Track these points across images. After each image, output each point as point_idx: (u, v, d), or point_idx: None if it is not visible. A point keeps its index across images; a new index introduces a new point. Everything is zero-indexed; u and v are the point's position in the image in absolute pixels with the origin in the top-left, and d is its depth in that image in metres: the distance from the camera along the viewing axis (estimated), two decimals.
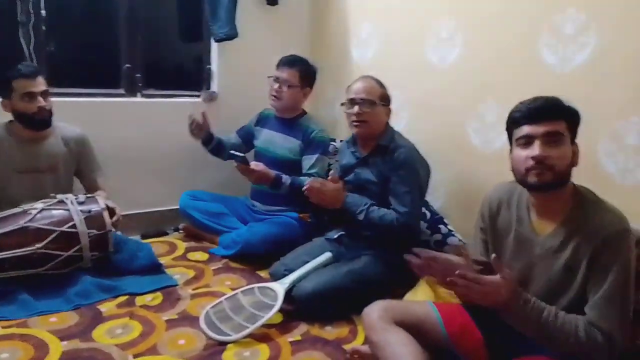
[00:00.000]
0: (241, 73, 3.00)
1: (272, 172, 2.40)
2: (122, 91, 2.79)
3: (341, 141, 2.83)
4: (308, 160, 2.51)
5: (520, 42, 2.06)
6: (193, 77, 3.05)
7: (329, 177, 2.12)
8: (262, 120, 2.76)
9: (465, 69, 2.31)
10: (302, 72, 2.57)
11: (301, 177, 2.44)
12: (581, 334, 1.32)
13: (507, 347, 1.55)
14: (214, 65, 2.99)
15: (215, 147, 2.67)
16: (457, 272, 1.29)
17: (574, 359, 1.39)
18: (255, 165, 2.40)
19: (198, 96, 2.97)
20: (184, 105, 2.89)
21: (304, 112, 2.68)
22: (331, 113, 3.17)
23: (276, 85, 2.56)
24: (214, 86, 3.01)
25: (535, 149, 1.37)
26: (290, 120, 2.63)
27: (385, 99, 2.13)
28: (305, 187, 2.05)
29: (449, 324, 1.63)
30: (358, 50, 2.94)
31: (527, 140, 1.40)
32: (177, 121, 2.64)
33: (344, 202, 2.07)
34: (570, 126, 1.38)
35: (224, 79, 2.96)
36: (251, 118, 2.80)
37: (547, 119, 1.37)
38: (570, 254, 1.40)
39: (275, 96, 2.57)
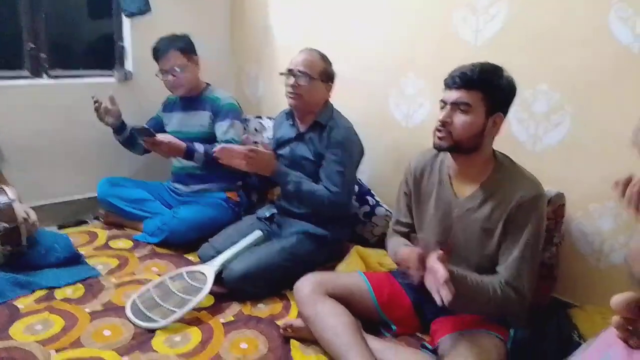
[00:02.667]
0: None
1: (183, 143, 2.30)
2: (26, 73, 2.57)
3: (268, 118, 2.79)
4: (220, 128, 2.42)
5: (437, 16, 2.11)
6: (105, 55, 2.86)
7: (261, 144, 2.08)
8: (168, 106, 2.63)
9: (387, 44, 2.34)
10: (181, 48, 2.42)
11: (216, 145, 2.33)
12: (498, 294, 1.42)
13: (432, 310, 1.62)
14: (127, 43, 2.83)
15: (128, 138, 2.51)
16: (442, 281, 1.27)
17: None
18: (163, 136, 2.29)
19: (111, 76, 2.81)
20: (96, 86, 2.72)
21: (207, 85, 2.58)
22: (255, 92, 3.12)
23: (169, 77, 2.42)
24: (128, 65, 2.85)
25: (441, 113, 1.46)
26: (196, 97, 2.53)
27: (327, 76, 2.08)
28: (246, 148, 1.95)
29: (378, 292, 1.69)
30: (280, 27, 2.88)
31: (442, 105, 1.47)
32: (89, 104, 2.47)
33: (275, 170, 2.01)
34: (488, 97, 1.43)
35: (139, 57, 2.79)
36: (158, 108, 2.67)
37: (461, 88, 1.43)
38: (486, 215, 1.48)
39: (174, 86, 2.45)
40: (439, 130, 1.47)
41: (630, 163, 0.86)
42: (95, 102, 2.38)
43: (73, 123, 2.66)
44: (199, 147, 2.33)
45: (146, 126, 2.25)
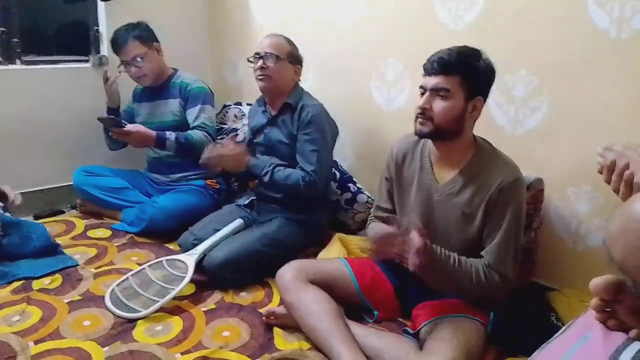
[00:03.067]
0: None
1: (152, 132, 2.28)
2: None
3: (248, 104, 2.77)
4: (191, 114, 2.39)
5: (417, 1, 2.09)
6: (79, 40, 2.79)
7: (227, 138, 2.09)
8: (137, 96, 2.58)
9: (366, 28, 2.32)
10: (139, 36, 2.36)
11: (188, 132, 2.33)
12: (481, 276, 1.44)
13: (415, 296, 1.64)
14: (103, 27, 2.76)
15: (116, 122, 2.41)
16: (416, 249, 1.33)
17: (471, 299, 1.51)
18: (132, 126, 2.26)
19: (87, 61, 2.74)
20: (71, 71, 2.66)
21: (174, 71, 2.52)
22: (234, 77, 3.08)
23: (132, 69, 2.37)
24: (104, 50, 2.78)
25: (421, 100, 1.46)
26: (163, 84, 2.47)
27: (294, 57, 2.09)
28: (201, 161, 2.03)
29: (360, 277, 1.70)
30: (259, 11, 2.84)
31: (422, 91, 1.47)
32: (64, 90, 2.43)
33: (247, 164, 2.04)
34: (466, 81, 1.43)
35: None
36: (130, 99, 2.62)
37: (439, 73, 1.43)
38: (467, 200, 1.49)
39: (138, 77, 2.40)
40: (420, 117, 1.47)
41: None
42: (106, 77, 2.40)
43: (48, 110, 2.61)
44: (170, 135, 2.31)
45: (111, 116, 2.23)
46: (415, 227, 1.37)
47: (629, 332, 0.68)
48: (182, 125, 2.39)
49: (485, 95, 1.49)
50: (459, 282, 1.45)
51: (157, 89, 2.47)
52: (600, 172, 0.84)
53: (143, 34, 2.37)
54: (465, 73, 1.43)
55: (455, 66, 1.42)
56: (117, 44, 2.36)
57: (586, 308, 0.82)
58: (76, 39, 2.80)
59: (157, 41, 2.43)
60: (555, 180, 1.78)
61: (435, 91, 1.44)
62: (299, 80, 2.17)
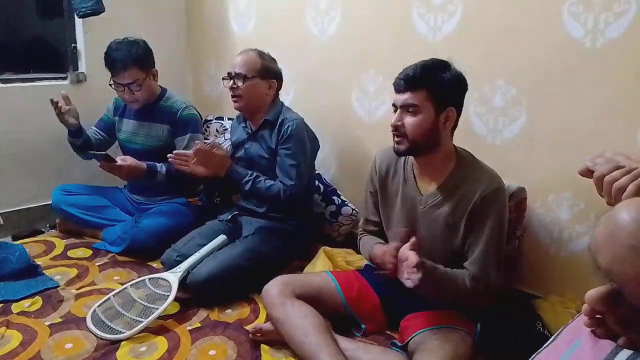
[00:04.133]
0: None
1: (143, 164, 2.26)
2: None
3: (229, 119, 2.76)
4: (181, 142, 2.33)
5: (395, 13, 2.12)
6: (57, 58, 2.76)
7: (213, 144, 2.07)
8: (120, 110, 2.49)
9: (345, 40, 2.33)
10: (141, 62, 2.26)
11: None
12: (467, 286, 1.45)
13: (400, 307, 1.64)
14: (80, 44, 2.73)
15: (83, 143, 2.38)
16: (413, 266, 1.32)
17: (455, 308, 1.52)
18: (122, 160, 2.22)
19: (64, 78, 2.71)
20: (48, 89, 2.61)
21: (163, 90, 2.43)
22: (215, 89, 3.07)
23: (126, 93, 2.27)
24: (82, 67, 2.75)
25: (393, 118, 1.49)
26: (151, 105, 2.38)
27: (267, 72, 2.08)
28: (194, 149, 1.98)
29: (346, 290, 1.69)
30: (238, 24, 2.84)
31: (394, 109, 1.50)
32: (41, 108, 2.37)
33: (229, 169, 2.04)
34: (432, 95, 1.45)
35: (93, 59, 2.66)
36: (107, 106, 2.53)
37: (406, 90, 1.46)
38: (450, 211, 1.51)
39: (129, 101, 2.33)
40: (395, 135, 1.50)
41: (583, 155, 0.88)
42: (54, 103, 2.22)
43: (24, 128, 2.56)
44: (161, 168, 2.29)
45: (104, 153, 2.18)
46: (410, 240, 1.36)
47: (618, 340, 0.69)
48: (166, 149, 2.24)
49: (457, 105, 1.51)
50: (446, 292, 1.46)
51: (144, 109, 2.39)
52: (582, 175, 0.85)
53: (144, 59, 2.28)
54: (430, 86, 1.45)
55: (420, 81, 1.44)
56: (115, 65, 2.23)
57: (572, 315, 0.82)
58: (53, 56, 2.77)
59: (154, 66, 2.36)
60: (537, 188, 1.80)
61: (405, 107, 1.47)
62: (276, 94, 2.15)
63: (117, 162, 2.20)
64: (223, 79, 2.11)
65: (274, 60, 2.14)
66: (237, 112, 2.25)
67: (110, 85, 2.31)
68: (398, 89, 1.48)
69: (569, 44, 1.66)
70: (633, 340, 0.67)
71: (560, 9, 1.67)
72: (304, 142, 2.07)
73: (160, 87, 2.44)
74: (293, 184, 2.01)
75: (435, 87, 1.44)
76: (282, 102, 2.18)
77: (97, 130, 2.52)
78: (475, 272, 1.46)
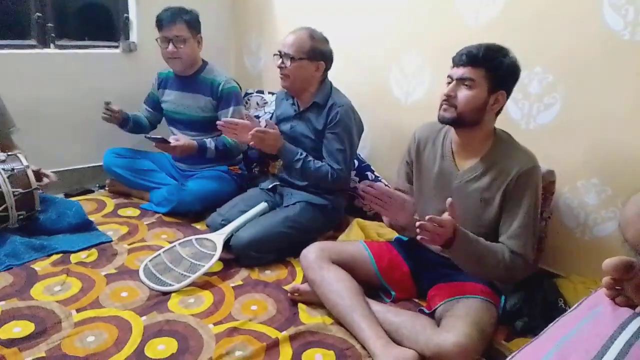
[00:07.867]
0: None
1: (194, 142, 2.39)
2: (33, 42, 2.61)
3: (270, 93, 2.85)
4: (224, 115, 2.42)
5: None
6: (110, 27, 2.89)
7: (267, 125, 2.12)
8: (163, 82, 2.61)
9: (390, 20, 2.38)
10: (188, 21, 2.39)
11: (224, 136, 2.39)
12: (507, 259, 1.52)
13: (429, 277, 1.74)
14: (132, 14, 2.86)
15: (133, 128, 2.57)
16: (427, 217, 1.38)
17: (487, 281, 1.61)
18: (175, 140, 2.36)
19: (116, 47, 2.84)
20: (101, 56, 2.76)
21: (204, 63, 2.54)
22: (256, 64, 3.15)
23: (170, 47, 2.37)
24: (133, 36, 2.88)
25: (447, 88, 1.55)
26: (193, 77, 2.50)
27: (315, 54, 2.09)
28: (251, 133, 1.99)
29: (378, 259, 1.80)
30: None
31: (449, 80, 1.57)
32: (95, 74, 2.52)
33: (282, 147, 2.08)
34: (491, 75, 1.52)
35: (143, 29, 2.82)
36: (152, 82, 2.66)
37: (467, 65, 1.53)
38: (486, 185, 1.59)
39: (172, 56, 2.42)
40: (444, 103, 1.57)
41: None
42: (107, 107, 2.43)
43: (78, 93, 2.71)
44: (210, 144, 2.42)
45: (160, 137, 2.31)
46: (448, 204, 1.42)
47: (636, 308, 0.78)
48: (209, 121, 2.41)
49: (508, 90, 1.58)
50: (485, 264, 1.52)
51: (185, 80, 2.51)
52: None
53: (192, 21, 2.41)
54: (490, 66, 1.52)
55: (482, 59, 1.52)
56: (163, 20, 2.37)
57: (591, 293, 0.91)
58: (107, 25, 2.90)
59: (200, 34, 2.47)
60: (566, 173, 1.86)
61: (461, 81, 1.54)
62: (325, 75, 2.18)
63: (170, 143, 2.33)
64: (274, 55, 2.15)
65: (325, 41, 2.15)
66: (279, 88, 2.34)
67: (156, 40, 2.41)
68: (459, 63, 1.55)
69: (608, 35, 1.70)
70: None
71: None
72: (351, 127, 2.12)
73: (202, 60, 2.55)
74: (340, 169, 2.08)
75: (494, 68, 1.52)
76: (330, 83, 2.21)
77: (147, 107, 2.67)
78: (513, 247, 1.53)
